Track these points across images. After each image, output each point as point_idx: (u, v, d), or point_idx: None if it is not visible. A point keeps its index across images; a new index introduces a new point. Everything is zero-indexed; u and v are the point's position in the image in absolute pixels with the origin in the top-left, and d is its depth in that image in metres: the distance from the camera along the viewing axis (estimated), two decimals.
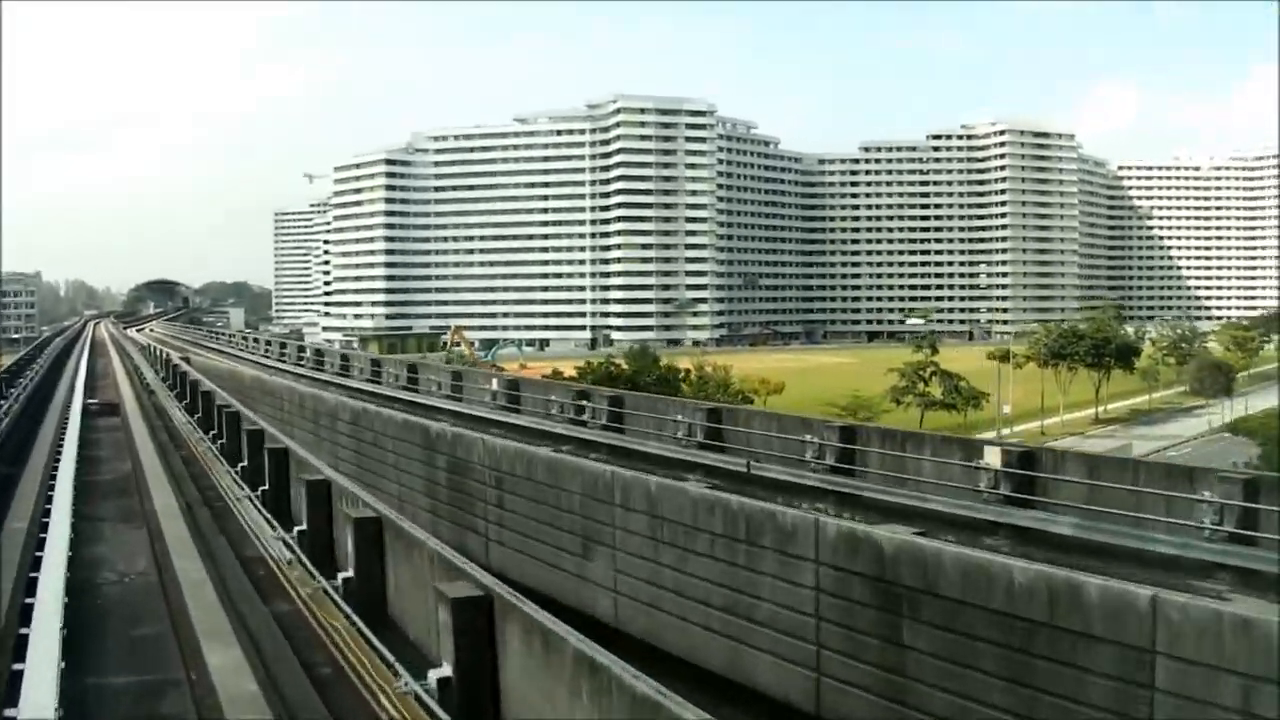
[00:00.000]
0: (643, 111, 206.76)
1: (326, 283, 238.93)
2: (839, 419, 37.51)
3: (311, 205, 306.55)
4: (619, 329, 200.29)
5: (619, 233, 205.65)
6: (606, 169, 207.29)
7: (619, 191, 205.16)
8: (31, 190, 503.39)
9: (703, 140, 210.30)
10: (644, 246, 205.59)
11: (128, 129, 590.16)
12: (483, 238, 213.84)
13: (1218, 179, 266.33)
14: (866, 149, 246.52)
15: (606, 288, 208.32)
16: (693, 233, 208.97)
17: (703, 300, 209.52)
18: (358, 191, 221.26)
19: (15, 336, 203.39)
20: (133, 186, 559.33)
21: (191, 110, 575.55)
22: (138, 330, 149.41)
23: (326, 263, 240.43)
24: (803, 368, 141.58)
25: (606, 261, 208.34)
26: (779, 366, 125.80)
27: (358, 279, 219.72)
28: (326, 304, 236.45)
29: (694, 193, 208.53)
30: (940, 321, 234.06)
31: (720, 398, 75.00)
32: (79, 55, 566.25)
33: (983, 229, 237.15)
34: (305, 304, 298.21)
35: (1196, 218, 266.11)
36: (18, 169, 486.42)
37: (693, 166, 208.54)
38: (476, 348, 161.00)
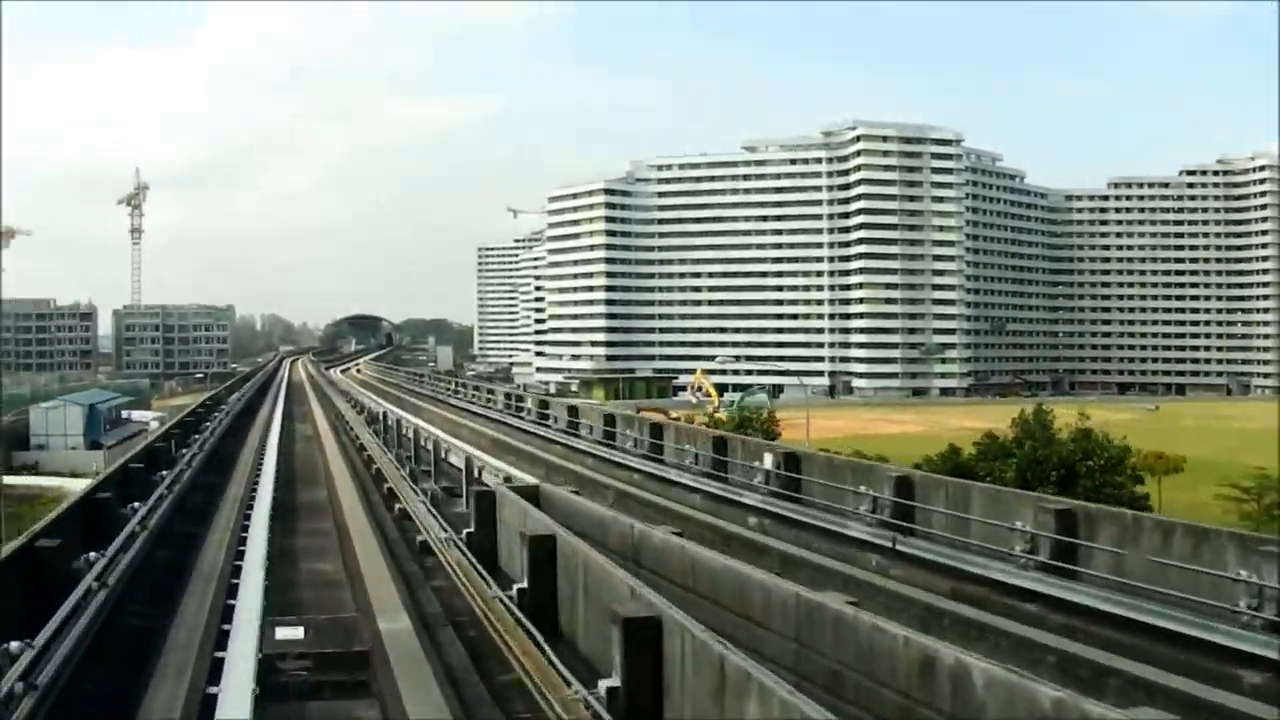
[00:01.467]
0: (885, 140, 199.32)
1: (539, 320, 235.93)
2: None
3: (516, 241, 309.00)
4: (861, 375, 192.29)
5: (861, 270, 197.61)
6: (845, 201, 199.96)
7: (861, 226, 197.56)
8: (235, 222, 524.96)
9: (949, 172, 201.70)
10: (888, 286, 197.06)
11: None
12: (710, 274, 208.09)
13: None
14: (1116, 184, 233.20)
15: (847, 330, 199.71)
16: (940, 272, 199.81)
17: (950, 346, 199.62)
18: (574, 223, 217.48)
19: (200, 374, 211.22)
20: (326, 220, 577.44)
21: (389, 146, 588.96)
22: (341, 370, 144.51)
23: (540, 299, 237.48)
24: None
25: (847, 302, 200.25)
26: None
27: (575, 317, 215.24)
28: (539, 343, 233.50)
29: (941, 228, 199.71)
30: (1195, 375, 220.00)
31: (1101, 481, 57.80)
32: (278, 96, 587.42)
33: (1241, 272, 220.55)
34: (511, 342, 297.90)
35: None
36: (221, 201, 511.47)
37: (939, 200, 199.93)
38: (723, 397, 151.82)
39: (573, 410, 42.08)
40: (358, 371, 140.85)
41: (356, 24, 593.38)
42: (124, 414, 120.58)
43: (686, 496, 25.99)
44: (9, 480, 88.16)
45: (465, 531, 18.54)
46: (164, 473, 26.95)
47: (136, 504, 21.29)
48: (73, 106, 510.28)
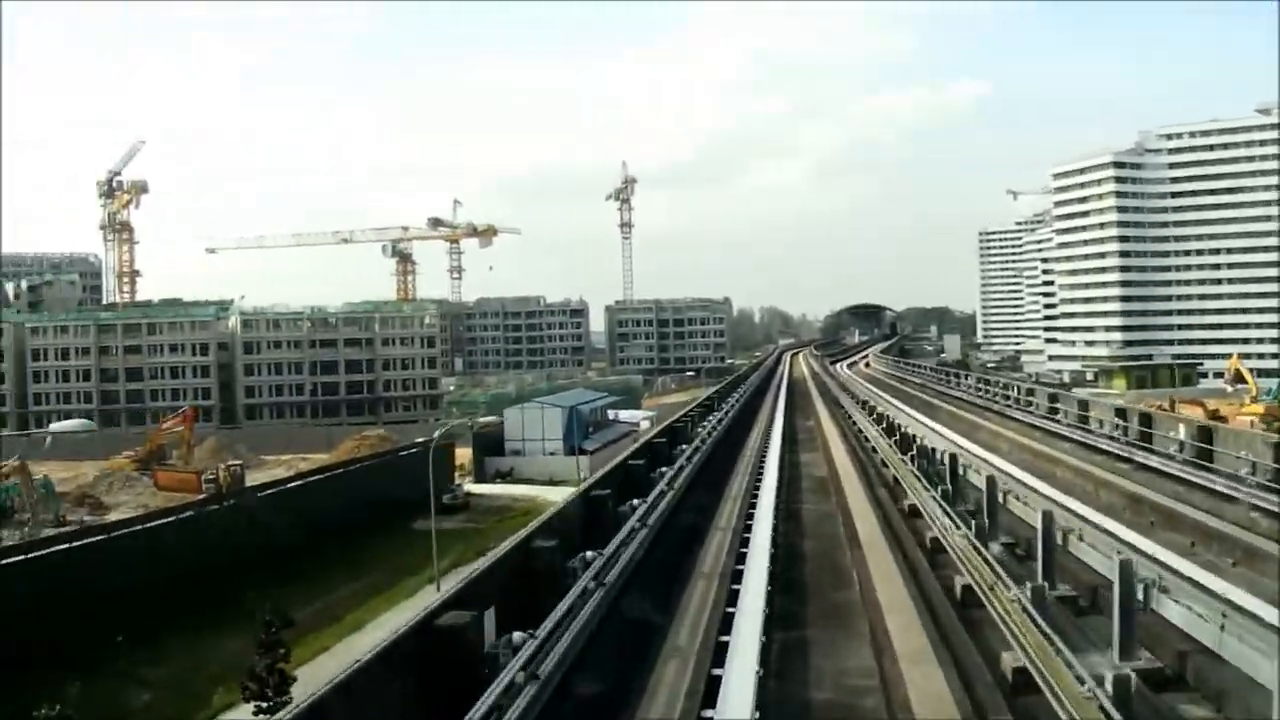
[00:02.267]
0: None
1: (1048, 305, 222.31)
2: None
3: (1017, 223, 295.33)
4: None
5: None
6: None
7: None
8: (718, 221, 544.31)
9: None
10: None
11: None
12: (1229, 250, 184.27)
13: None
14: None
15: None
16: None
17: None
18: (1081, 200, 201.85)
19: (693, 371, 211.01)
20: (814, 213, 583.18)
21: (877, 136, 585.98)
22: (847, 365, 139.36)
23: (1048, 282, 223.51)
24: None
25: None
26: None
27: (1086, 300, 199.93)
28: (1048, 329, 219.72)
29: None
30: None
31: None
32: (757, 96, 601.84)
33: None
34: (1016, 329, 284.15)
35: None
36: (703, 200, 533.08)
37: None
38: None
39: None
40: (866, 366, 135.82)
41: (835, 20, 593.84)
42: (611, 415, 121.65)
43: None
44: (478, 490, 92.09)
45: None
46: (663, 469, 31.20)
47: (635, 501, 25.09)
48: (552, 114, 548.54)
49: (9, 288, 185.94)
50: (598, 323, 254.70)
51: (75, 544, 51.33)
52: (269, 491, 69.47)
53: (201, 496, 75.64)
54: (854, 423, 54.16)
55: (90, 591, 44.59)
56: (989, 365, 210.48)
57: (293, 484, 75.14)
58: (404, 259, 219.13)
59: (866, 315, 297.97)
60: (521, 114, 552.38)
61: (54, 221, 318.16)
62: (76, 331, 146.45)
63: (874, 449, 40.80)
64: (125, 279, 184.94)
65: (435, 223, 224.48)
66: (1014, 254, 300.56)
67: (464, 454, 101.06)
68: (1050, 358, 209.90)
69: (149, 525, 56.90)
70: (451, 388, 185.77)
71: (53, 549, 50.12)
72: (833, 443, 50.02)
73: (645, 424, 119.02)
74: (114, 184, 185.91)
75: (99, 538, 53.06)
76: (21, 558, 47.67)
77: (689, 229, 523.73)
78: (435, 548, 52.64)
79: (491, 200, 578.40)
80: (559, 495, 56.38)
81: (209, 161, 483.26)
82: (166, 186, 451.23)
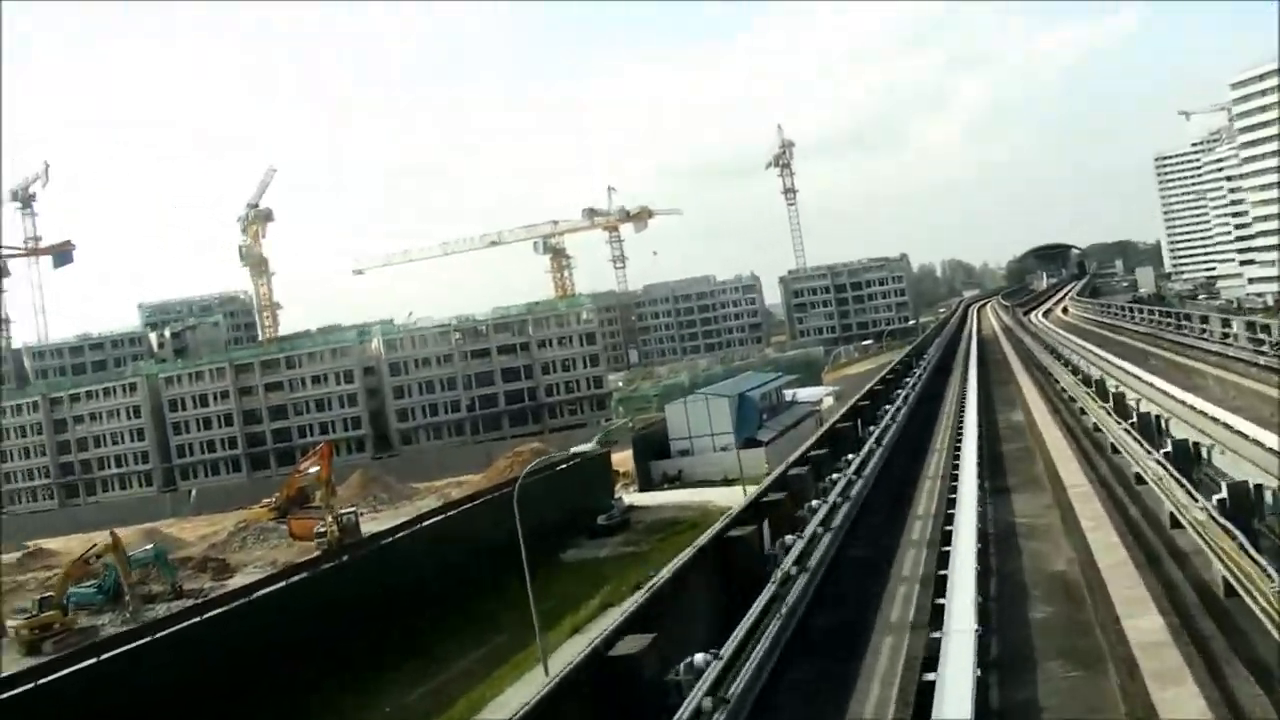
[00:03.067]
0: None
1: (1239, 225, 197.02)
2: None
3: (1193, 145, 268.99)
4: None
5: None
6: None
7: None
8: (881, 183, 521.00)
9: None
10: None
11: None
12: None
13: None
14: None
15: None
16: None
17: None
18: (1263, 110, 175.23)
19: (875, 333, 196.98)
20: (980, 162, 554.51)
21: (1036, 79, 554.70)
22: (1042, 314, 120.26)
23: (1237, 202, 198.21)
24: None
25: None
26: None
27: None
28: (1242, 250, 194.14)
29: None
30: None
31: None
32: (910, 55, 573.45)
33: None
34: (1205, 254, 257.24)
35: None
36: (863, 164, 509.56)
37: None
38: None
39: None
40: (1064, 313, 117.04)
41: None
42: (788, 395, 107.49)
43: None
44: (641, 500, 78.19)
45: None
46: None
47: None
48: (707, 92, 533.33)
49: (152, 337, 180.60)
50: (773, 296, 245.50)
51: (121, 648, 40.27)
52: (387, 540, 55.59)
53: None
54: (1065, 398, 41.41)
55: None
56: (1183, 295, 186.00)
57: (419, 525, 61.35)
58: (557, 254, 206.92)
59: (1052, 256, 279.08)
60: (675, 95, 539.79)
61: (205, 262, 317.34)
62: (212, 375, 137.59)
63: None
64: (266, 313, 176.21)
65: (590, 213, 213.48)
66: (1194, 177, 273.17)
67: (627, 458, 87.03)
68: (1250, 280, 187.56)
69: (229, 608, 44.35)
70: (620, 384, 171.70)
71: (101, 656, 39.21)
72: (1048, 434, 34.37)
73: (828, 401, 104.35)
74: (251, 215, 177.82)
75: (152, 636, 41.49)
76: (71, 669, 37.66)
77: (855, 193, 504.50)
78: (536, 617, 39.75)
79: (651, 185, 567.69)
80: (733, 498, 52.28)
81: (348, 180, 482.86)
82: (307, 212, 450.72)
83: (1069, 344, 62.13)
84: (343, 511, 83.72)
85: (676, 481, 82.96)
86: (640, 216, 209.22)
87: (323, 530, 76.38)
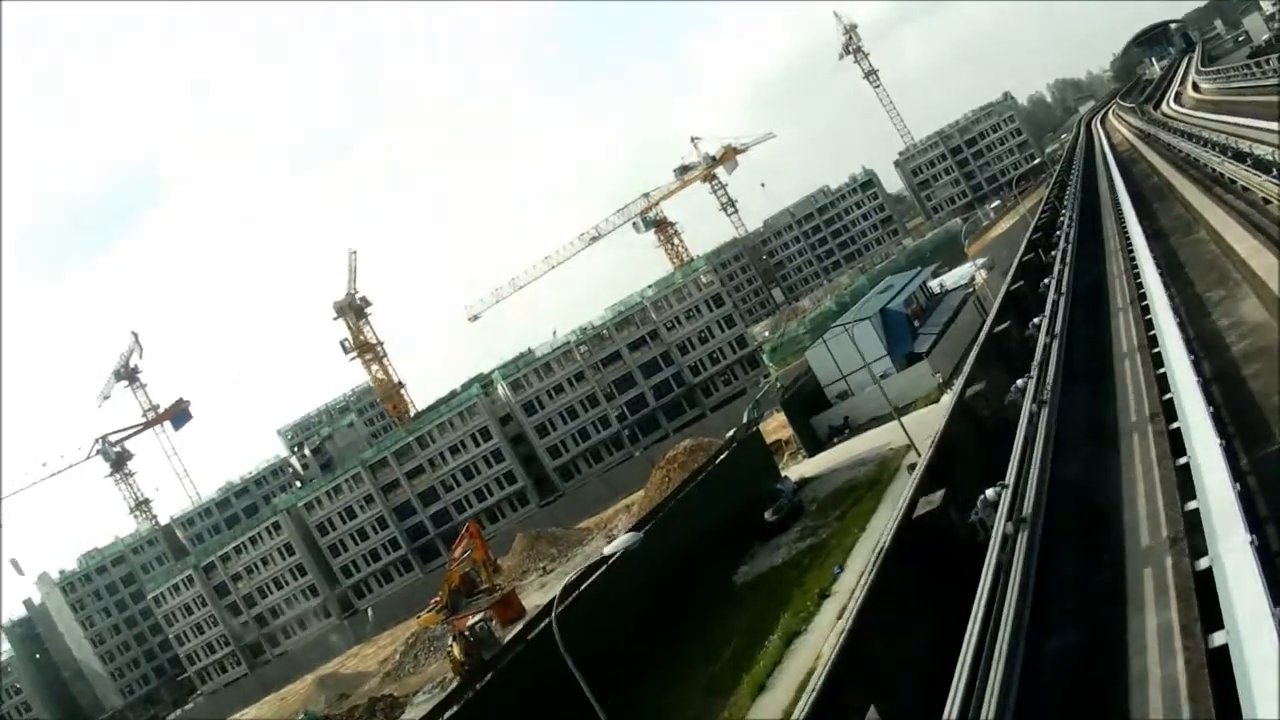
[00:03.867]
0: None
1: None
2: None
3: None
4: None
5: None
6: None
7: None
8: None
9: None
10: None
11: None
12: None
13: None
14: None
15: None
16: None
17: None
18: None
19: (999, 186, 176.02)
20: None
21: None
22: (1174, 100, 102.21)
23: None
24: None
25: None
26: None
27: None
28: None
29: None
30: None
31: None
32: None
33: None
34: None
35: None
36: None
37: None
38: None
39: None
40: (1195, 90, 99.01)
41: None
42: (935, 284, 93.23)
43: None
44: (812, 468, 64.52)
45: None
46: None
47: None
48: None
49: (294, 461, 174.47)
50: (895, 184, 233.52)
51: None
52: (520, 648, 42.80)
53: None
54: None
55: None
56: None
57: (562, 609, 48.32)
58: (661, 226, 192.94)
59: (1153, 39, 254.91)
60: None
61: (328, 362, 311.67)
62: (350, 485, 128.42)
63: None
64: (388, 400, 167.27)
65: (682, 170, 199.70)
66: None
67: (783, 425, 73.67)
68: None
69: None
70: (766, 333, 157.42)
71: None
72: None
73: (981, 276, 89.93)
74: (343, 305, 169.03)
75: None
76: None
77: (934, 55, 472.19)
78: None
79: (743, 121, 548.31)
80: (918, 421, 52.01)
81: (431, 233, 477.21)
82: (410, 279, 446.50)
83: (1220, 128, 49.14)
84: (475, 620, 72.31)
85: (846, 432, 69.56)
86: (726, 157, 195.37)
87: (466, 657, 64.73)
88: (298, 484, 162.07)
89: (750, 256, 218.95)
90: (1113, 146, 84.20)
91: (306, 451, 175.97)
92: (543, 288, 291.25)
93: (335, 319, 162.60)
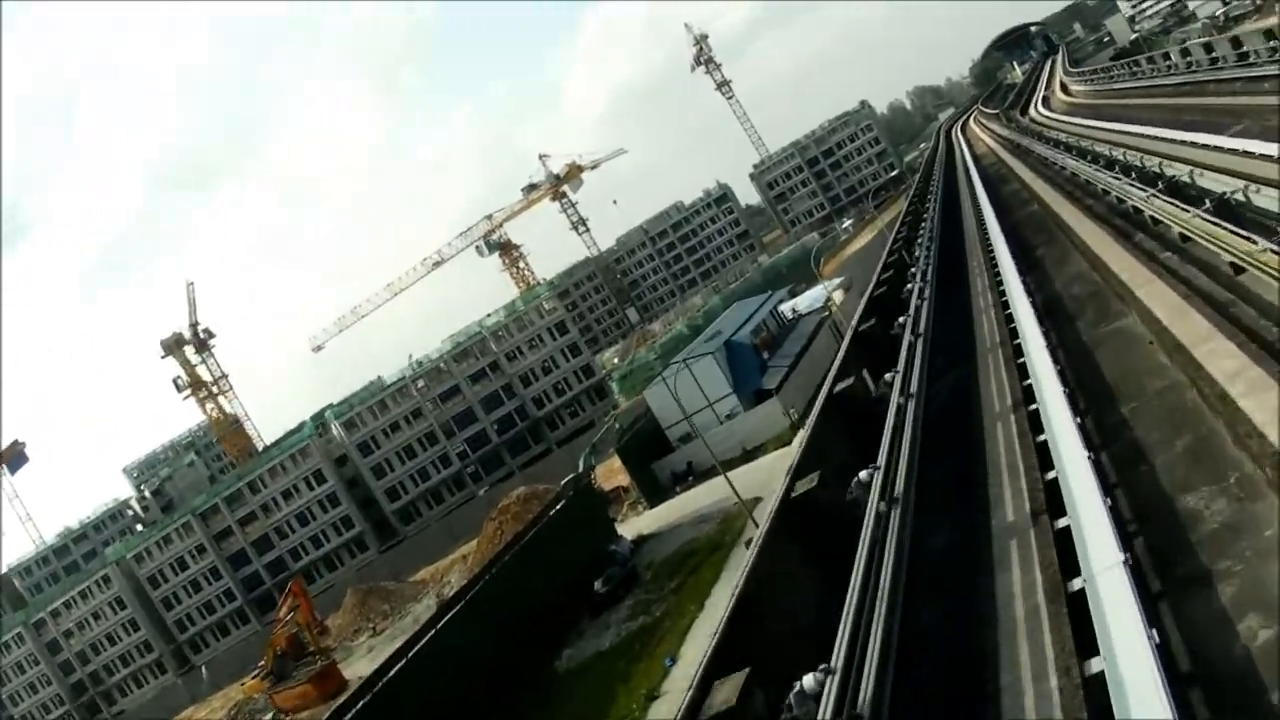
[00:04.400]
0: None
1: None
2: None
3: None
4: None
5: None
6: None
7: None
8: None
9: None
10: None
11: None
12: None
13: None
14: None
15: None
16: None
17: None
18: None
19: (858, 197, 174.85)
20: None
21: None
22: (1040, 104, 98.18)
23: None
24: None
25: None
26: None
27: None
28: None
29: None
30: None
31: None
32: None
33: None
34: None
35: None
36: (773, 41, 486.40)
37: None
38: None
39: None
40: (1065, 92, 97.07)
41: None
42: (789, 309, 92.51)
43: None
44: (651, 523, 63.24)
45: None
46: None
47: None
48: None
49: (134, 504, 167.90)
50: (753, 197, 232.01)
51: None
52: None
53: None
54: None
55: None
56: (1155, 32, 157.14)
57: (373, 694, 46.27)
58: (505, 249, 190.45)
59: (1013, 43, 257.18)
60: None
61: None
62: (180, 535, 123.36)
63: None
64: (226, 438, 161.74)
65: (529, 189, 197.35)
66: None
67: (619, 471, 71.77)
68: None
69: None
70: (615, 360, 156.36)
71: None
72: None
73: (838, 296, 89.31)
74: (181, 340, 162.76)
75: None
76: None
77: (789, 68, 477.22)
78: None
79: (594, 139, 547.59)
80: (758, 475, 51.45)
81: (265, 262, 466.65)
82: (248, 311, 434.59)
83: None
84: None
85: (690, 479, 66.96)
86: (572, 175, 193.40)
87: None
88: (140, 527, 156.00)
89: (604, 276, 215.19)
90: (976, 159, 76.74)
91: (146, 493, 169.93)
92: (393, 313, 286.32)
93: (163, 357, 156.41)
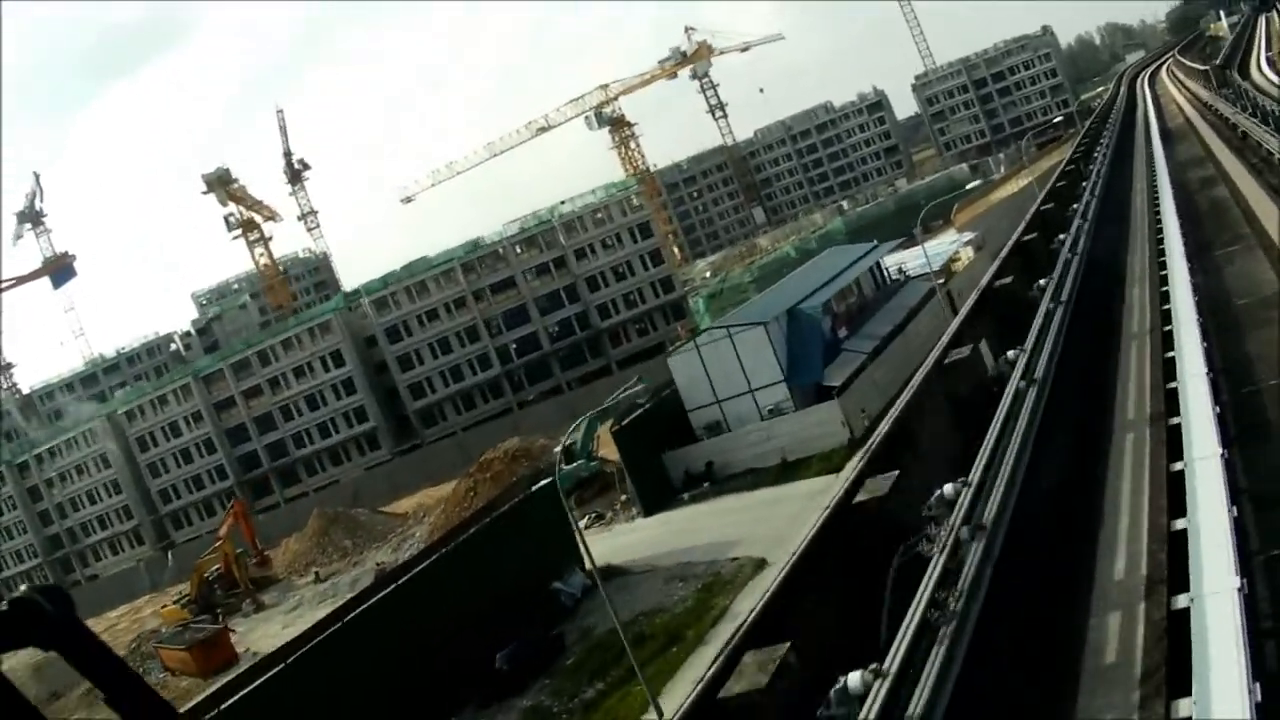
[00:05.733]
0: None
1: None
2: None
3: None
4: None
5: None
6: None
7: None
8: None
9: None
10: None
11: None
12: None
13: None
14: None
15: None
16: None
17: None
18: None
19: (1023, 130, 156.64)
20: None
21: None
22: (1258, 74, 77.17)
23: None
24: None
25: None
26: None
27: None
28: None
29: None
30: None
31: None
32: None
33: None
34: None
35: None
36: None
37: None
38: None
39: None
40: None
41: None
42: (894, 266, 71.45)
43: None
44: (636, 544, 43.30)
45: None
46: None
47: None
48: None
49: (177, 338, 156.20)
50: (909, 109, 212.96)
51: None
52: None
53: None
54: None
55: None
56: None
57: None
58: (616, 125, 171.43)
59: None
60: None
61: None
62: (178, 397, 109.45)
63: None
64: (269, 288, 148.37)
65: (662, 65, 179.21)
66: None
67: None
68: None
69: None
70: (708, 274, 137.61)
71: None
72: None
73: (966, 254, 69.68)
74: (216, 176, 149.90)
75: None
76: None
77: None
78: None
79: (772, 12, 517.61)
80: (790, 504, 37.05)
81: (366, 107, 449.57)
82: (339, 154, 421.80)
83: None
84: None
85: (705, 485, 48.19)
86: (700, 55, 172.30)
87: None
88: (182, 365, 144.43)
89: (735, 168, 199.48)
90: (1165, 135, 60.17)
91: (191, 330, 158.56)
92: (492, 175, 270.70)
93: (205, 193, 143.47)
